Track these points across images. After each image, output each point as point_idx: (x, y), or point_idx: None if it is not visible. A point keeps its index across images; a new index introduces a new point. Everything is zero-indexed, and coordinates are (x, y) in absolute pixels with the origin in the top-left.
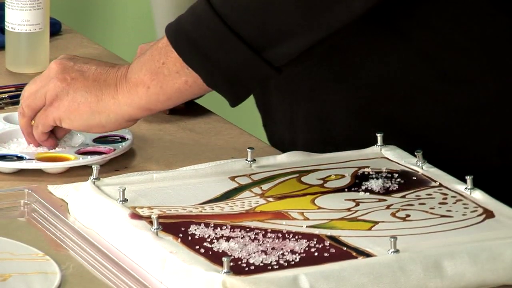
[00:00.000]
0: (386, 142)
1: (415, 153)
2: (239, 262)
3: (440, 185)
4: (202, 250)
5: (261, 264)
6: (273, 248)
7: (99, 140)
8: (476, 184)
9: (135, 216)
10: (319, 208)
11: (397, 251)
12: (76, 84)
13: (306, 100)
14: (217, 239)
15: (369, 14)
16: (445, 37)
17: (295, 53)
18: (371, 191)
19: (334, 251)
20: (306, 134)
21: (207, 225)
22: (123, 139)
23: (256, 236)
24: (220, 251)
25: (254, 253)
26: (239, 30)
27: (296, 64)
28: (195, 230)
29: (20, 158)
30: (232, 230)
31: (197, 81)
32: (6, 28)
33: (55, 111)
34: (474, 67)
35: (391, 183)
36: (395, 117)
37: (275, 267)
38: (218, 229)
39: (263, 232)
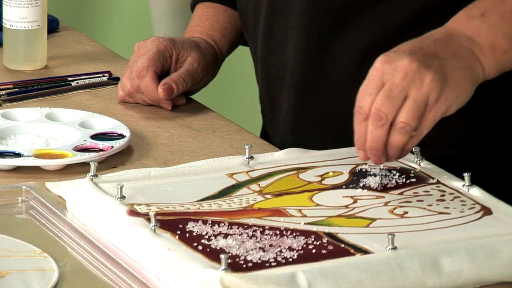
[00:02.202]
0: None
1: (413, 150)
2: (237, 259)
3: (438, 182)
4: (200, 247)
5: (259, 261)
6: (271, 245)
7: (96, 137)
8: (474, 181)
9: (133, 213)
10: (317, 205)
11: (395, 248)
12: (445, 68)
13: (322, 99)
14: (215, 236)
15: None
16: None
17: None
18: (369, 188)
19: (332, 248)
20: (318, 134)
21: (205, 222)
22: (120, 136)
23: (254, 233)
24: (218, 248)
25: (252, 250)
26: None
27: None
28: (193, 227)
29: (18, 155)
30: (230, 227)
31: None
32: (3, 25)
33: (443, 105)
34: None
35: (389, 180)
36: None
37: (273, 264)
38: (216, 226)
39: (261, 229)
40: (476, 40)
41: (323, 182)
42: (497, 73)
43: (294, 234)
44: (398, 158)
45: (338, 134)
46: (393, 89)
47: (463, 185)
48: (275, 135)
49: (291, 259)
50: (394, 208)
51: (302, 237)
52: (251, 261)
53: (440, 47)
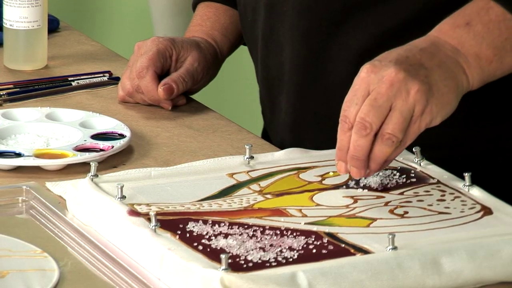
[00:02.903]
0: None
1: (413, 150)
2: (237, 259)
3: (438, 182)
4: (200, 247)
5: (259, 261)
6: (271, 245)
7: (97, 137)
8: (474, 181)
9: (133, 213)
10: (317, 205)
11: (395, 248)
12: (431, 78)
13: (320, 100)
14: (215, 236)
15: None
16: None
17: None
18: (369, 188)
19: (332, 248)
20: (317, 134)
21: (205, 222)
22: (121, 136)
23: (254, 233)
24: (218, 248)
25: (252, 250)
26: None
27: None
28: (193, 227)
29: (18, 155)
30: (230, 227)
31: None
32: (4, 25)
33: (428, 116)
34: None
35: (389, 180)
36: None
37: (273, 264)
38: (216, 226)
39: (261, 229)
40: (461, 50)
41: (323, 182)
42: (481, 84)
43: (294, 234)
44: (379, 170)
45: (337, 135)
46: (378, 99)
47: (464, 185)
48: (275, 135)
49: (291, 259)
50: (395, 208)
51: (303, 237)
52: (251, 261)
53: (426, 57)
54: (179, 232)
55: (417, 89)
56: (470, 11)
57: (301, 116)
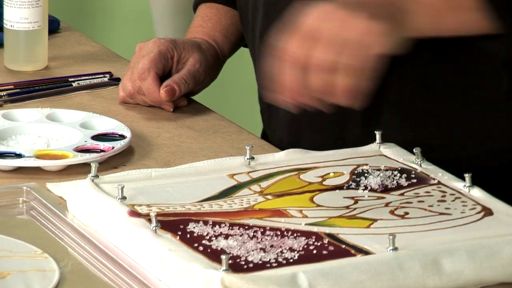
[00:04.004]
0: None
1: (414, 151)
2: (238, 260)
3: (439, 182)
4: (201, 248)
5: (260, 262)
6: (271, 246)
7: (97, 138)
8: (475, 182)
9: (134, 213)
10: (318, 205)
11: (395, 248)
12: (368, 9)
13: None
14: (216, 236)
15: None
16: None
17: None
18: (370, 189)
19: (332, 248)
20: (315, 134)
21: (205, 222)
22: (121, 136)
23: (255, 233)
24: (219, 248)
25: (253, 250)
26: None
27: None
28: (194, 227)
29: (18, 156)
30: (230, 227)
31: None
32: (4, 26)
33: (373, 38)
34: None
35: (390, 180)
36: (407, 113)
37: (274, 264)
38: (217, 226)
39: (262, 230)
40: None
41: (324, 183)
42: (430, 27)
43: (295, 234)
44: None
45: (335, 135)
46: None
47: (464, 185)
48: (273, 135)
49: (292, 260)
50: (395, 209)
51: (303, 238)
52: (252, 261)
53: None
54: (179, 233)
55: (346, 14)
56: None
57: (300, 115)
